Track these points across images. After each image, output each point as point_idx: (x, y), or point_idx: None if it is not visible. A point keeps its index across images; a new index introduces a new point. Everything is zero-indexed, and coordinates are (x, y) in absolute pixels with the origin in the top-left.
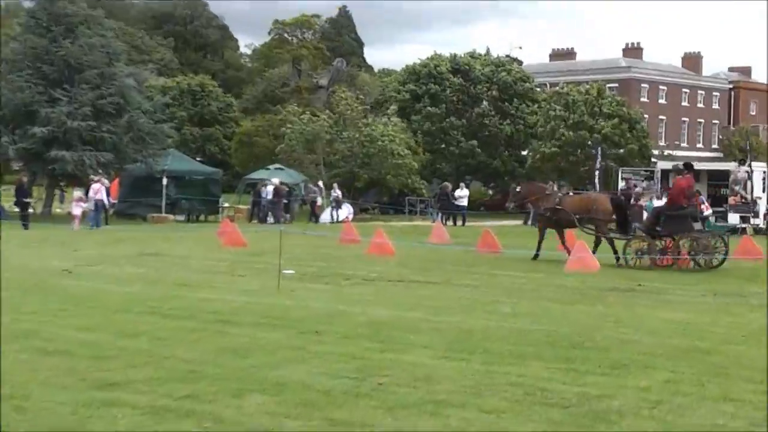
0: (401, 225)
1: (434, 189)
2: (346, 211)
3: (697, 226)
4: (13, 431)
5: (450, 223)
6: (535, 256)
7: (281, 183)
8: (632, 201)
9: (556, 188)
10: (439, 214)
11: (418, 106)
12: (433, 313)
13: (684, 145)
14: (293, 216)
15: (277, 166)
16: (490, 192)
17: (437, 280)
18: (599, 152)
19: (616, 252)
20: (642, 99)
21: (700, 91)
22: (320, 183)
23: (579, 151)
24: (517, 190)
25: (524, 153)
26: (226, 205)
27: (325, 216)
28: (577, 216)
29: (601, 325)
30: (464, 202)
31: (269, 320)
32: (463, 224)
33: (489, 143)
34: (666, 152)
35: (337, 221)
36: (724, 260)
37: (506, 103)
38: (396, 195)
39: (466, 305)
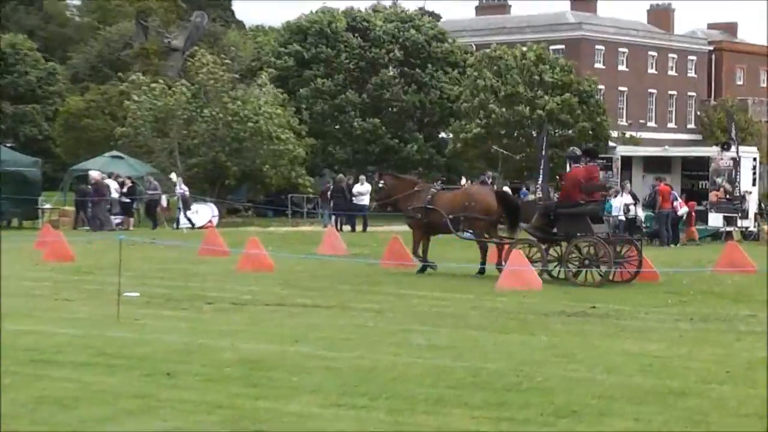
0: (283, 231)
1: (325, 184)
2: (209, 212)
3: (601, 228)
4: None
5: (347, 228)
6: (423, 269)
7: (109, 176)
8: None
9: (489, 181)
10: (333, 217)
11: (306, 73)
12: (325, 346)
13: (651, 124)
14: (138, 220)
15: (115, 153)
16: None
17: (330, 303)
18: (545, 136)
19: (483, 265)
20: (596, 65)
21: (671, 55)
22: (173, 176)
23: (515, 132)
24: (380, 185)
25: (443, 135)
26: (48, 206)
27: (194, 220)
28: (451, 216)
29: (543, 360)
30: (365, 201)
31: (105, 359)
32: (364, 230)
33: (396, 122)
34: (628, 134)
35: (192, 227)
36: (637, 274)
37: (417, 69)
38: (276, 192)
39: (367, 336)
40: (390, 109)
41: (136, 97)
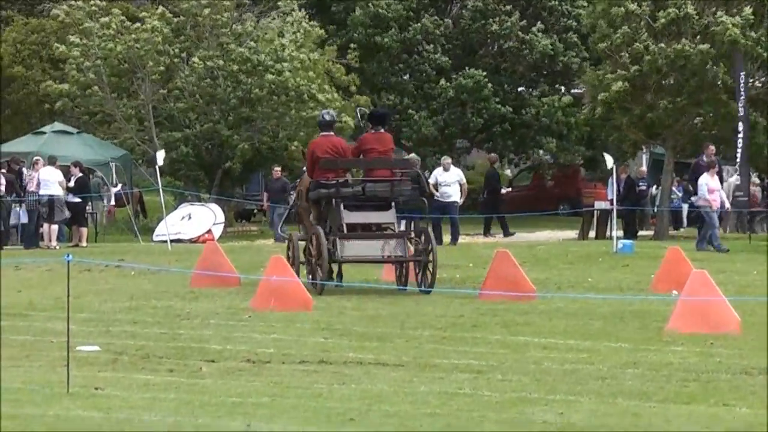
0: None
1: None
2: (207, 218)
3: (384, 216)
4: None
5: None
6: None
7: (51, 162)
8: None
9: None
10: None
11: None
12: (397, 429)
13: None
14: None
15: (61, 127)
16: (510, 172)
17: (401, 358)
18: (741, 83)
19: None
20: None
21: None
22: (159, 158)
23: (689, 81)
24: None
25: (576, 91)
26: None
27: (167, 228)
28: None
29: None
30: (453, 196)
31: None
32: (453, 242)
33: (507, 71)
34: None
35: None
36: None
37: None
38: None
39: (463, 411)
40: (492, 48)
41: (83, 38)
